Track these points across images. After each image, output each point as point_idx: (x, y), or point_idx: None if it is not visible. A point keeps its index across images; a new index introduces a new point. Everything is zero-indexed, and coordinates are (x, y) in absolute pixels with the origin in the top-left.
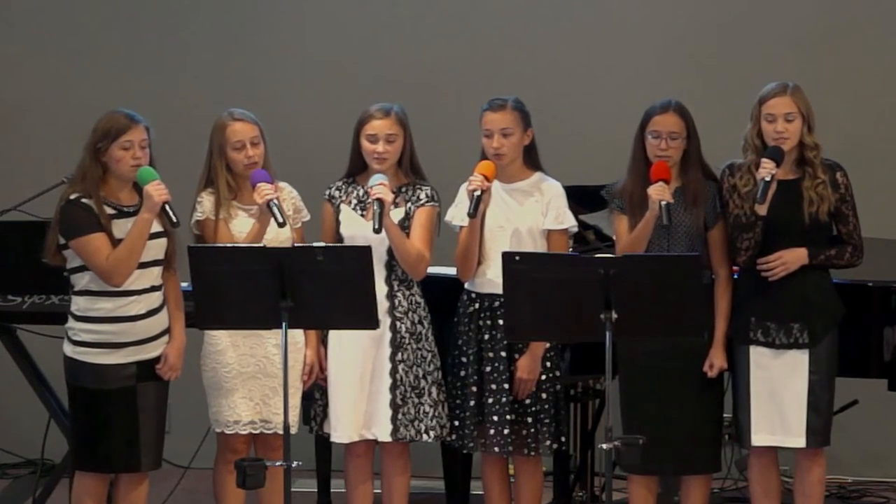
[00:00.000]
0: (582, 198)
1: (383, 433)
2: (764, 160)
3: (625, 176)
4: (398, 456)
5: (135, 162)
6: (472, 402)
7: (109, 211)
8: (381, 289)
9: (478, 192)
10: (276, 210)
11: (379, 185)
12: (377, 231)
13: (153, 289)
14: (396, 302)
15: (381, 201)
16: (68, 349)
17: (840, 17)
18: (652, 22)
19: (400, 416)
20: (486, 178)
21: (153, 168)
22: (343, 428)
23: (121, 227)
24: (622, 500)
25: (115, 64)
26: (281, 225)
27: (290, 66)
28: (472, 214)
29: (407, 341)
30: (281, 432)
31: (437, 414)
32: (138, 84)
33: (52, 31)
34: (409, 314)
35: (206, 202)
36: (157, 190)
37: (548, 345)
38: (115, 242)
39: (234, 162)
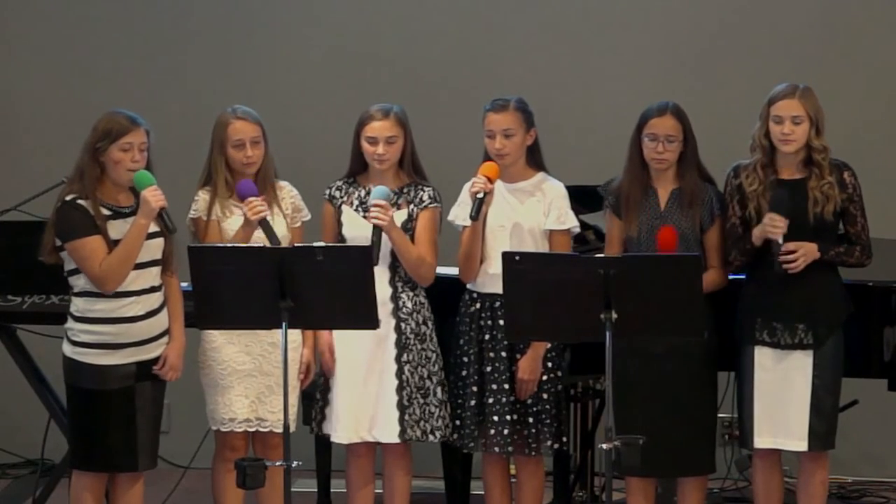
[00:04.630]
0: (582, 198)
1: (390, 434)
2: (773, 217)
3: (621, 175)
4: (401, 456)
5: (133, 165)
6: (472, 402)
7: (105, 212)
8: (385, 290)
9: (480, 195)
10: (270, 231)
11: (376, 206)
12: (375, 263)
13: (152, 289)
14: (401, 303)
15: (378, 228)
16: (67, 349)
17: (839, 16)
18: (653, 21)
19: (406, 416)
20: (489, 180)
21: (150, 172)
22: (343, 429)
23: (117, 228)
24: (622, 500)
25: (115, 63)
26: (274, 244)
27: (291, 64)
28: (474, 217)
29: (412, 342)
30: (277, 430)
31: (442, 414)
32: (138, 83)
33: (52, 31)
34: (414, 315)
35: (202, 200)
36: (154, 196)
37: (549, 345)
38: (111, 243)
39: (233, 160)
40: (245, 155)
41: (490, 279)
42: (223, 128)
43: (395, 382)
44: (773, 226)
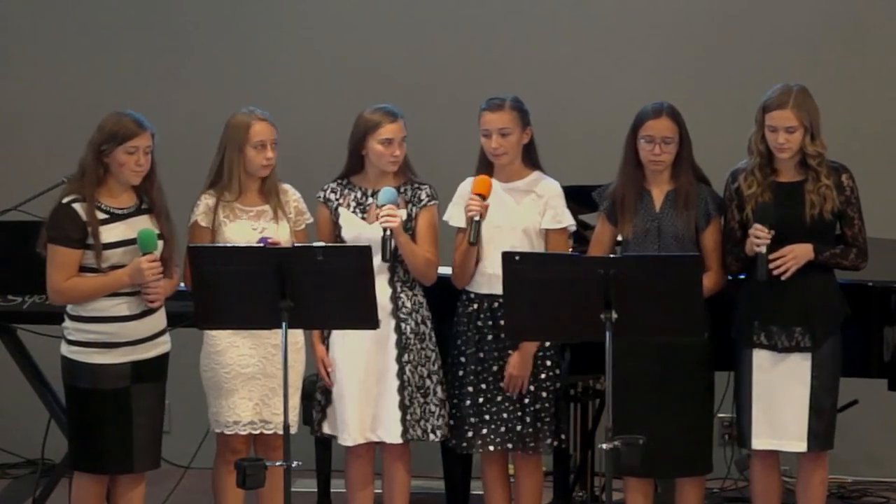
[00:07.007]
0: (581, 198)
1: (393, 434)
2: (756, 227)
3: (615, 180)
4: (400, 456)
5: (137, 168)
6: (470, 402)
7: (101, 215)
8: (384, 290)
9: (477, 217)
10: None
11: (388, 214)
12: (387, 260)
13: None
14: (400, 303)
15: (391, 230)
16: (64, 349)
17: (838, 15)
18: (652, 20)
19: (408, 416)
20: (483, 198)
21: (155, 234)
22: (350, 431)
23: (110, 232)
24: (622, 500)
25: (115, 64)
26: None
27: (291, 65)
28: (473, 242)
29: (412, 342)
30: (281, 432)
31: (442, 413)
32: (138, 84)
33: (53, 32)
34: (413, 314)
35: (203, 204)
36: (150, 269)
37: (539, 344)
38: (100, 247)
39: (250, 161)
40: (265, 156)
41: (487, 279)
42: (244, 129)
43: (397, 382)
44: (756, 237)
